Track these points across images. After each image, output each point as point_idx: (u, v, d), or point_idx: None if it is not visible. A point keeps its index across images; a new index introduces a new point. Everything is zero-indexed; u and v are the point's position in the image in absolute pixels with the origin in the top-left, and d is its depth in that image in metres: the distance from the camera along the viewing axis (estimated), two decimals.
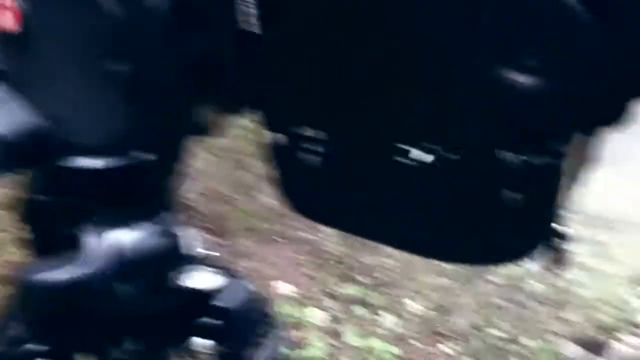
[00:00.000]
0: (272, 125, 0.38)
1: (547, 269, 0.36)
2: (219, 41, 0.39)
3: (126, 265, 0.46)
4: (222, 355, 0.53)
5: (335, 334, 2.65)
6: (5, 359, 0.51)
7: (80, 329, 0.50)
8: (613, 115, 0.28)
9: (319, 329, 2.59)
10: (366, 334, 2.72)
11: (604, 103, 0.27)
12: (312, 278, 2.91)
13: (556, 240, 0.36)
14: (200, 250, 0.54)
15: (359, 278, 3.00)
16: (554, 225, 0.32)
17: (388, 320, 2.80)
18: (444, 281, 3.22)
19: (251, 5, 0.35)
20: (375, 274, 3.04)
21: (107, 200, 0.48)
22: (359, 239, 3.09)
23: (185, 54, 0.40)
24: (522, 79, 0.26)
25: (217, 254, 0.57)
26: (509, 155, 0.30)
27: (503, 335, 3.00)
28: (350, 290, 2.91)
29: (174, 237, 0.48)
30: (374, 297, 2.92)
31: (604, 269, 3.63)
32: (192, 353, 0.53)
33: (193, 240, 0.50)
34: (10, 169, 0.46)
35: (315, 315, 2.60)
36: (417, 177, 0.31)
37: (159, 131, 0.47)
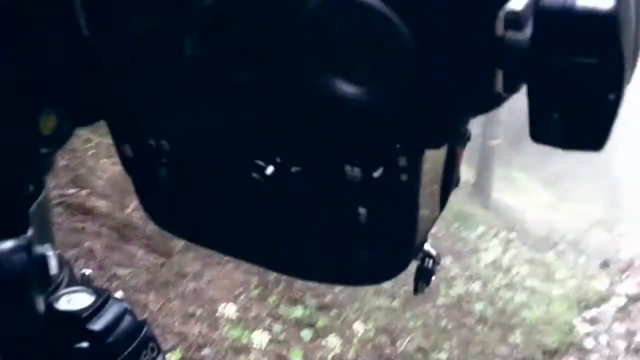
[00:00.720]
0: (118, 137, 0.36)
1: (417, 291, 0.35)
2: (57, 49, 0.37)
3: None
4: None
5: (281, 357, 2.62)
6: None
7: None
8: (446, 132, 0.27)
9: (264, 352, 2.56)
10: (312, 357, 2.70)
11: (435, 118, 0.26)
12: (258, 300, 2.88)
13: (424, 261, 0.34)
14: (73, 272, 0.51)
15: (306, 300, 2.98)
16: (417, 244, 0.31)
17: (334, 342, 2.78)
18: (391, 303, 3.22)
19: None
20: (322, 297, 3.02)
21: None
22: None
23: (22, 61, 0.38)
24: (350, 89, 0.25)
25: (91, 274, 0.54)
26: (350, 169, 0.28)
27: (449, 358, 3.00)
28: (296, 312, 2.89)
29: (38, 257, 0.46)
30: (320, 320, 2.90)
31: (549, 291, 3.67)
32: None
33: (61, 261, 0.48)
34: None
35: (261, 338, 2.57)
36: (261, 189, 0.30)
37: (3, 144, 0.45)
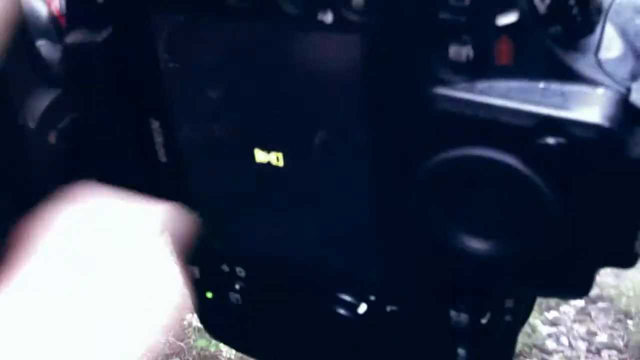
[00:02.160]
0: (186, 259, 0.36)
1: None
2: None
3: None
4: None
5: None
6: None
7: None
8: (573, 285, 0.27)
9: None
10: None
11: (564, 272, 0.26)
12: None
13: None
14: None
15: None
16: None
17: None
18: None
19: None
20: None
21: None
22: None
23: None
24: (479, 245, 0.25)
25: None
26: (456, 315, 0.28)
27: None
28: None
29: None
30: None
31: None
32: None
33: None
34: None
35: (231, 349, 2.56)
36: (348, 326, 0.29)
37: None
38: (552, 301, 3.75)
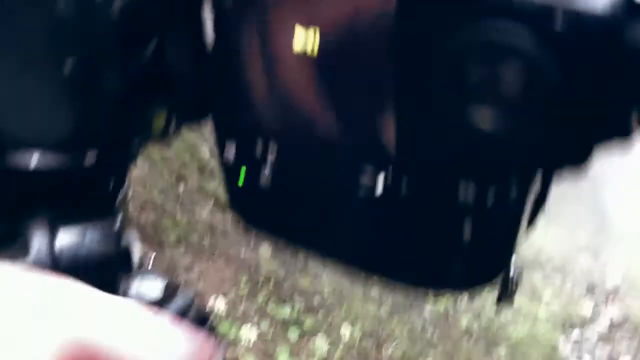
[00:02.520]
0: (222, 134, 0.37)
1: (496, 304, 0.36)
2: (174, 50, 0.38)
3: (73, 268, 0.44)
4: None
5: (267, 355, 2.63)
6: None
7: None
8: (574, 160, 0.28)
9: (251, 348, 2.57)
10: (298, 357, 2.71)
11: (567, 147, 0.27)
12: (248, 297, 2.88)
13: (507, 277, 0.36)
14: (144, 259, 0.52)
15: (295, 301, 2.99)
16: (507, 262, 0.32)
17: (320, 344, 2.79)
18: (378, 310, 3.23)
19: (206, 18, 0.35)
20: (311, 298, 3.03)
21: (51, 201, 0.46)
22: (297, 262, 3.08)
23: (139, 58, 0.39)
24: (482, 119, 0.26)
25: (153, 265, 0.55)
26: (465, 186, 0.30)
27: None
28: (284, 312, 2.90)
29: (121, 242, 0.47)
30: (308, 321, 2.91)
31: (535, 311, 3.71)
32: None
33: (139, 248, 0.49)
34: None
35: (249, 335, 2.58)
36: (369, 196, 0.31)
37: (107, 132, 0.46)
38: (576, 322, 3.74)
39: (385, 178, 0.31)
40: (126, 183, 0.50)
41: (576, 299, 3.72)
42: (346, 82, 0.32)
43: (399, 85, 0.29)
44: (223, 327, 2.59)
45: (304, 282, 3.06)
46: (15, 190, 0.45)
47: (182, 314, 0.53)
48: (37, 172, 0.44)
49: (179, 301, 0.53)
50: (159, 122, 0.42)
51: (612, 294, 3.61)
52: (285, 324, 2.87)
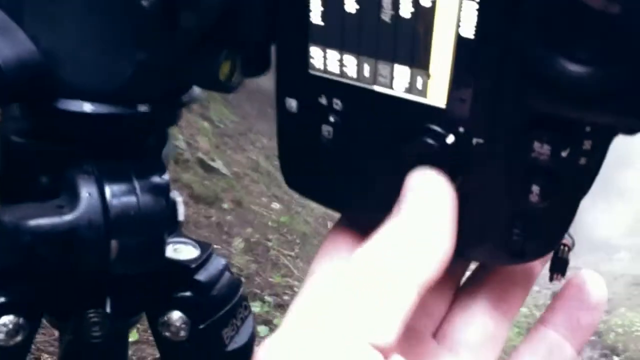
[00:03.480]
0: (283, 91, 0.36)
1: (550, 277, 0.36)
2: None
3: (123, 220, 0.43)
4: (196, 332, 0.50)
5: None
6: None
7: (54, 283, 0.46)
8: None
9: None
10: None
11: None
12: None
13: (561, 249, 0.35)
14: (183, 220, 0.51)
15: (265, 297, 2.98)
16: (566, 231, 0.32)
17: None
18: None
19: None
20: (282, 295, 3.02)
21: (100, 151, 0.45)
22: (269, 257, 3.06)
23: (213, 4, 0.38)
24: (572, 67, 0.26)
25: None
26: (539, 146, 0.29)
27: None
28: (255, 308, 2.88)
29: (168, 199, 0.46)
30: (278, 317, 2.90)
31: None
32: (166, 326, 0.50)
33: (183, 207, 0.48)
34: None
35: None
36: (436, 155, 0.30)
37: (167, 81, 0.45)
38: None
39: (456, 139, 0.31)
40: (169, 141, 0.49)
41: (541, 306, 3.77)
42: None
43: (476, 35, 0.29)
44: None
45: (276, 277, 3.04)
46: (64, 138, 0.44)
47: (216, 278, 0.52)
48: (89, 119, 0.42)
49: (213, 265, 0.53)
50: (223, 72, 0.41)
51: None
52: (254, 320, 2.86)
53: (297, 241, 3.37)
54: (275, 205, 3.57)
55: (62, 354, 0.53)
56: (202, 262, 0.51)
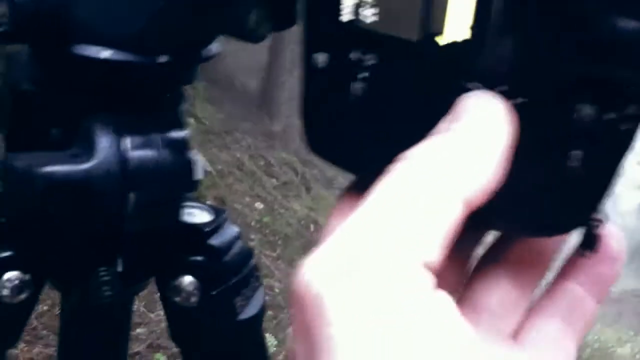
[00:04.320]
0: (312, 45, 0.34)
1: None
2: None
3: (137, 173, 0.41)
4: (208, 298, 0.48)
5: None
6: None
7: (63, 238, 0.44)
8: None
9: None
10: None
11: None
12: None
13: (592, 225, 0.34)
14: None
15: None
16: (601, 202, 0.31)
17: (269, 342, 2.76)
18: None
19: None
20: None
21: (118, 101, 0.43)
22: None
23: None
24: (625, 24, 0.25)
25: None
26: (582, 107, 0.28)
27: None
28: None
29: (188, 157, 0.44)
30: None
31: None
32: (177, 291, 0.49)
33: (201, 166, 0.46)
34: (12, 38, 0.39)
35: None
36: None
37: (190, 29, 0.43)
38: None
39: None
40: (185, 99, 0.47)
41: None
42: None
43: None
44: None
45: None
46: (80, 86, 0.42)
47: (230, 244, 0.50)
48: (106, 66, 0.41)
49: (227, 232, 0.51)
50: (252, 20, 0.40)
51: None
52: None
53: (279, 242, 3.36)
54: (259, 205, 3.55)
55: (66, 318, 0.51)
56: (215, 226, 0.49)
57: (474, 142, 0.26)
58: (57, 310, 2.12)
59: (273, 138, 4.62)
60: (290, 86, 4.82)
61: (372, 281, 0.23)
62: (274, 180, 4.19)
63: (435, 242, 0.24)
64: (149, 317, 2.51)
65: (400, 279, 0.23)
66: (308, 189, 5.11)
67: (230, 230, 0.51)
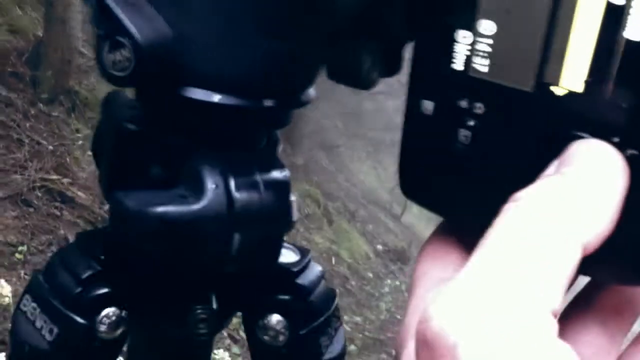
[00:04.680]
0: (419, 93, 0.35)
1: None
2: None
3: (242, 214, 0.42)
4: (296, 338, 0.49)
5: None
6: (67, 300, 0.45)
7: (167, 276, 0.45)
8: None
9: None
10: None
11: None
12: None
13: None
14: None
15: None
16: None
17: None
18: None
19: None
20: None
21: (224, 142, 0.44)
22: None
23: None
24: None
25: None
26: None
27: None
28: None
29: (289, 197, 0.45)
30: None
31: None
32: (265, 330, 0.49)
33: (297, 206, 0.47)
34: (131, 82, 0.41)
35: (222, 356, 2.55)
36: None
37: (301, 74, 0.44)
38: None
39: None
40: (280, 141, 0.49)
41: None
42: None
43: None
44: None
45: None
46: (186, 126, 0.43)
47: (315, 284, 0.51)
48: (215, 110, 0.42)
49: (312, 271, 0.51)
50: (364, 68, 0.41)
51: None
52: None
53: None
54: None
55: (156, 354, 0.51)
56: (303, 266, 0.50)
57: (590, 186, 0.26)
58: None
59: (296, 170, 4.64)
60: (314, 119, 4.85)
61: (506, 331, 0.22)
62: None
63: (558, 289, 0.24)
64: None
65: (533, 329, 0.23)
66: (330, 222, 5.12)
67: (315, 270, 0.51)
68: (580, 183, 0.26)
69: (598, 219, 0.25)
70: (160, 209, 0.40)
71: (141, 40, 0.38)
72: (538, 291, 0.23)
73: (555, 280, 0.24)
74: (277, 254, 0.45)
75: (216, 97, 0.42)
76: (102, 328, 0.45)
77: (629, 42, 0.28)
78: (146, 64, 0.39)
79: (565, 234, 0.24)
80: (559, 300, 0.24)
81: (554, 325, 0.23)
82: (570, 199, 0.25)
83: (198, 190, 0.41)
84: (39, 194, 2.87)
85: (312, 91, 0.46)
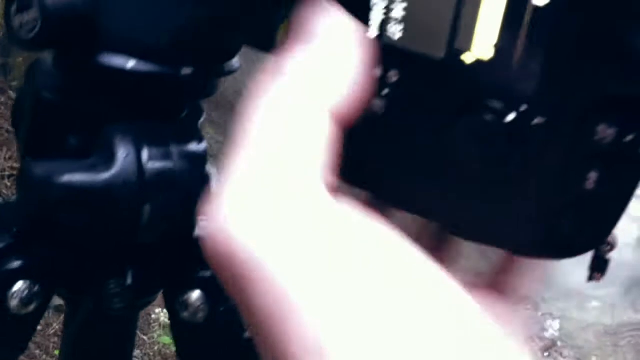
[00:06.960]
0: None
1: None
2: None
3: (158, 183, 0.41)
4: (215, 314, 0.48)
5: None
6: None
7: (74, 248, 0.44)
8: None
9: None
10: None
11: None
12: None
13: (602, 247, 0.34)
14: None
15: None
16: (616, 225, 0.30)
17: None
18: None
19: None
20: None
21: (138, 111, 0.43)
22: None
23: None
24: None
25: None
26: (604, 129, 0.28)
27: None
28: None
29: (205, 170, 0.44)
30: None
31: None
32: (184, 306, 0.48)
33: (215, 180, 0.46)
34: (40, 44, 0.40)
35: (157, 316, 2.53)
36: (490, 135, 0.28)
37: (215, 41, 0.43)
38: None
39: (516, 117, 0.29)
40: (204, 112, 0.48)
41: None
42: None
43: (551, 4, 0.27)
44: (165, 340, 2.52)
45: None
46: (102, 95, 0.42)
47: None
48: (131, 77, 0.41)
49: None
50: (280, 34, 0.40)
51: (550, 346, 3.67)
52: None
53: None
54: None
55: (73, 330, 0.50)
56: None
57: (330, 59, 0.29)
58: (50, 330, 2.10)
59: None
60: None
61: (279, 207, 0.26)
62: None
63: (321, 151, 0.27)
64: (142, 339, 2.49)
65: (306, 196, 0.26)
66: None
67: None
68: (320, 58, 0.29)
69: (341, 85, 0.28)
70: (67, 177, 0.39)
71: None
72: (303, 161, 0.26)
73: (316, 146, 0.27)
74: (192, 226, 0.44)
75: (130, 64, 0.41)
76: (14, 303, 0.44)
77: (536, 8, 0.28)
78: (54, 25, 0.38)
79: (312, 104, 0.27)
80: (323, 159, 0.27)
81: (324, 189, 0.26)
82: (313, 73, 0.28)
83: (108, 160, 0.40)
84: (8, 183, 2.83)
85: (235, 61, 0.45)
